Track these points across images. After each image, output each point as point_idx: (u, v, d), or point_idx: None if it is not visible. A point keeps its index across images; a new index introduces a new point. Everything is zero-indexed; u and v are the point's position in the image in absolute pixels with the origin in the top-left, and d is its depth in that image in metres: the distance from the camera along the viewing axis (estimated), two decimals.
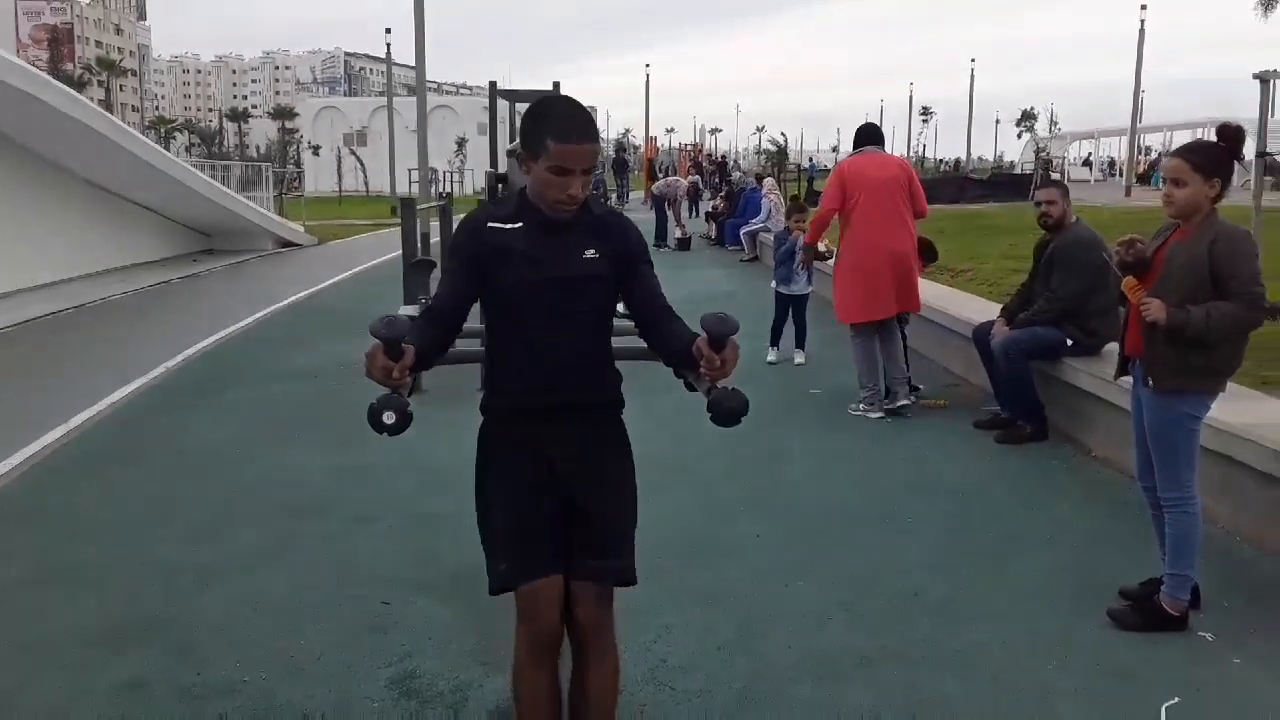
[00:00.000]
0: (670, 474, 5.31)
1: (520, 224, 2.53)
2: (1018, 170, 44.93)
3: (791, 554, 4.42)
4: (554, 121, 2.43)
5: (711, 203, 22.90)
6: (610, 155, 37.32)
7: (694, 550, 4.44)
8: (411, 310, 3.46)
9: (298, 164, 56.40)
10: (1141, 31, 33.54)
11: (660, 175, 32.85)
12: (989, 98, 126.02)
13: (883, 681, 3.36)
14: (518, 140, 2.85)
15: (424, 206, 8.89)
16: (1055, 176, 31.74)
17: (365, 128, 62.89)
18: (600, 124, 17.02)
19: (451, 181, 40.31)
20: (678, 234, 19.69)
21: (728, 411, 2.31)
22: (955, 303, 8.54)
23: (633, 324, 2.69)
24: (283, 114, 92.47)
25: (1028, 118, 47.04)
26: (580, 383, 2.57)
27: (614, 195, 27.14)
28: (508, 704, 3.20)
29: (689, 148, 47.65)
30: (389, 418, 2.19)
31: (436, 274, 4.69)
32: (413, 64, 23.04)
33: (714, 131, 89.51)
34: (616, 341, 2.69)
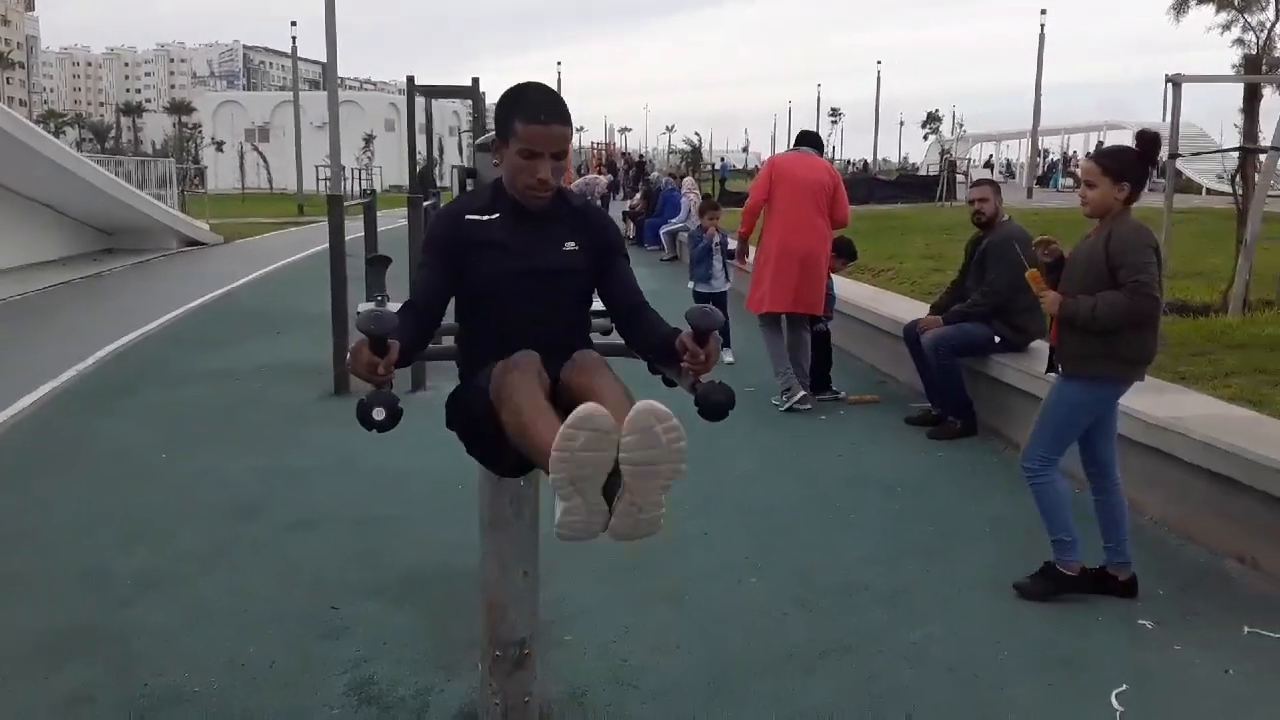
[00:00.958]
0: None
1: (497, 215, 2.51)
2: (923, 172, 46.00)
3: (740, 551, 4.46)
4: (522, 104, 2.41)
5: (629, 202, 22.93)
6: None
7: (644, 550, 4.38)
8: (369, 307, 3.38)
9: (196, 160, 54.94)
10: (1042, 36, 34.63)
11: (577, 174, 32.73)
12: (894, 100, 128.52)
13: (842, 675, 3.41)
14: (487, 134, 2.83)
15: (351, 204, 8.72)
16: (988, 175, 32.52)
17: (268, 123, 61.57)
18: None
19: (361, 179, 39.60)
20: None
21: (716, 405, 2.32)
22: (880, 301, 8.69)
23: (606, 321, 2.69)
24: (180, 109, 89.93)
25: (933, 120, 48.24)
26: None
27: None
28: (472, 707, 3.19)
29: (600, 147, 47.64)
30: (379, 414, 2.15)
31: (414, 270, 4.65)
32: (316, 59, 22.63)
33: (623, 131, 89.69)
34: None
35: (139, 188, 19.50)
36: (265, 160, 51.66)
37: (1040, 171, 41.32)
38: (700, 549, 4.47)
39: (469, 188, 2.96)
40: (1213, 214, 17.57)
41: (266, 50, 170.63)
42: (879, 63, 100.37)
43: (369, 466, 5.77)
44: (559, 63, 68.16)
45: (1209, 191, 30.20)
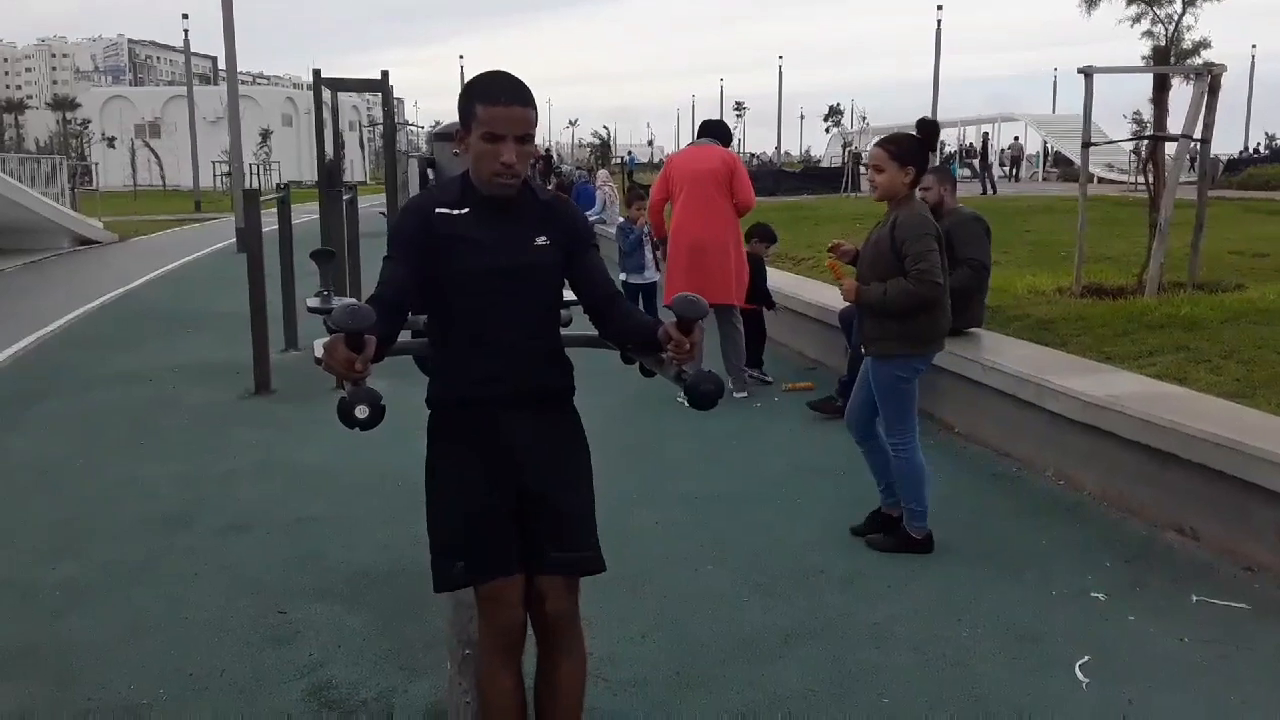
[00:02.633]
0: None
1: (467, 209, 2.44)
2: (825, 164, 46.64)
3: (693, 539, 4.43)
4: (481, 89, 2.36)
5: None
6: (423, 148, 36.47)
7: (605, 538, 4.37)
8: (313, 302, 3.27)
9: (82, 156, 52.91)
10: (939, 32, 35.39)
11: None
12: (796, 94, 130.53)
13: (810, 658, 3.40)
14: (449, 123, 2.74)
15: (267, 198, 8.47)
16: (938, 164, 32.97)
17: (159, 119, 59.73)
18: (409, 114, 16.62)
19: (260, 174, 38.61)
20: None
21: (706, 395, 2.29)
22: (804, 289, 8.76)
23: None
24: (63, 104, 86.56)
25: (834, 114, 48.96)
26: (534, 371, 2.50)
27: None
28: (440, 707, 3.11)
29: None
30: (362, 412, 2.06)
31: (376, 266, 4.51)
32: (207, 52, 21.95)
33: None
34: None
35: (40, 185, 18.72)
36: (158, 157, 50.05)
37: (937, 162, 42.26)
38: (653, 539, 4.44)
39: (430, 178, 2.87)
40: (1107, 201, 18.14)
41: (153, 44, 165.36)
42: (780, 57, 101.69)
43: (296, 467, 5.61)
44: (461, 56, 67.46)
45: (1100, 180, 31.18)
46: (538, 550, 2.46)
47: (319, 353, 2.79)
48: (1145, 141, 8.45)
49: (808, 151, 77.14)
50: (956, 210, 6.11)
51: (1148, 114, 8.79)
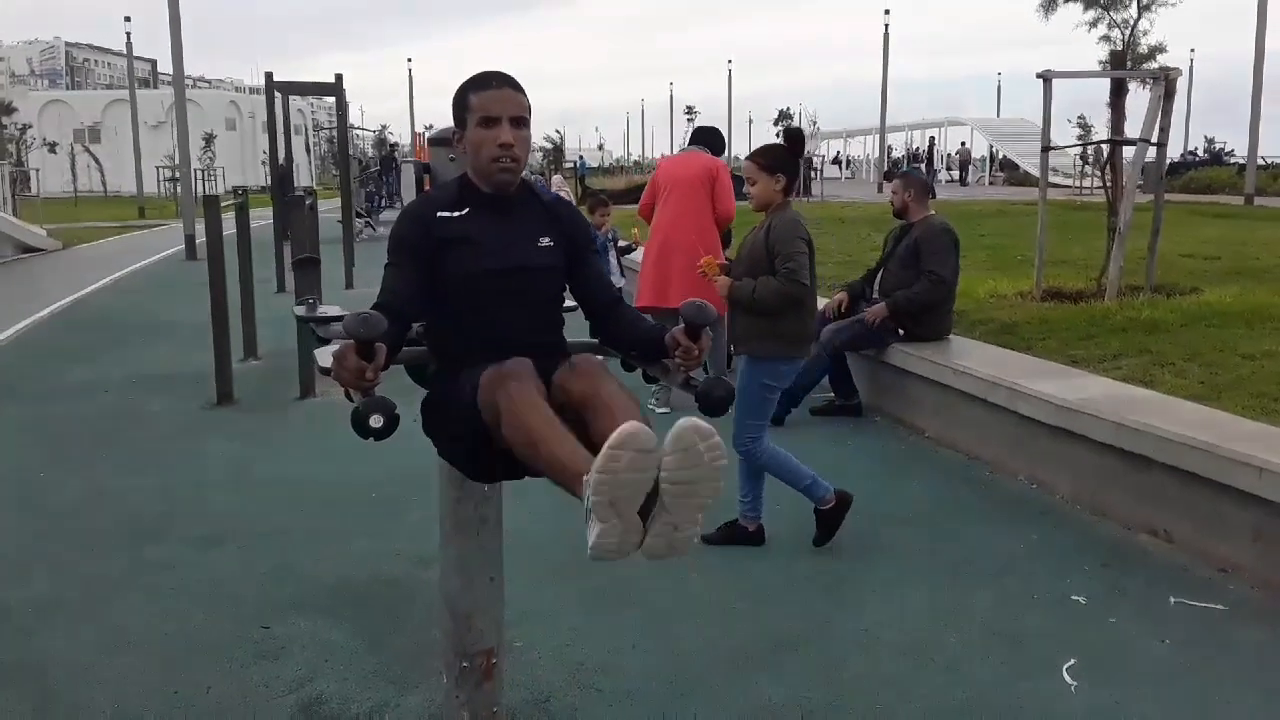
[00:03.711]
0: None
1: (468, 210, 2.43)
2: None
3: None
4: (472, 80, 2.41)
5: None
6: (369, 153, 36.19)
7: (579, 550, 4.35)
8: (299, 310, 3.23)
9: (19, 163, 51.73)
10: (886, 36, 35.74)
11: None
12: (745, 97, 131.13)
13: (800, 666, 3.42)
14: (444, 128, 2.73)
15: (228, 203, 8.35)
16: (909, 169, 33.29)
17: (99, 123, 58.56)
18: (354, 118, 16.50)
19: (204, 179, 37.99)
20: None
21: (718, 400, 2.30)
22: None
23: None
24: (1, 109, 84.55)
25: (784, 117, 49.23)
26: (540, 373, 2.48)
27: (381, 200, 26.29)
28: (434, 715, 3.07)
29: None
30: (376, 421, 2.03)
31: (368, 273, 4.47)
32: (148, 56, 21.59)
33: None
34: None
35: None
36: (98, 162, 49.10)
37: (886, 167, 42.66)
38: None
39: (424, 183, 2.85)
40: (1056, 205, 18.37)
41: (91, 48, 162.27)
42: (730, 61, 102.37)
43: (266, 478, 5.53)
44: (409, 59, 66.86)
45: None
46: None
47: (324, 362, 2.76)
48: (1096, 146, 8.59)
49: None
50: (927, 219, 6.19)
51: (1092, 118, 8.98)
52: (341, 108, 15.15)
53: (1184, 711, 3.11)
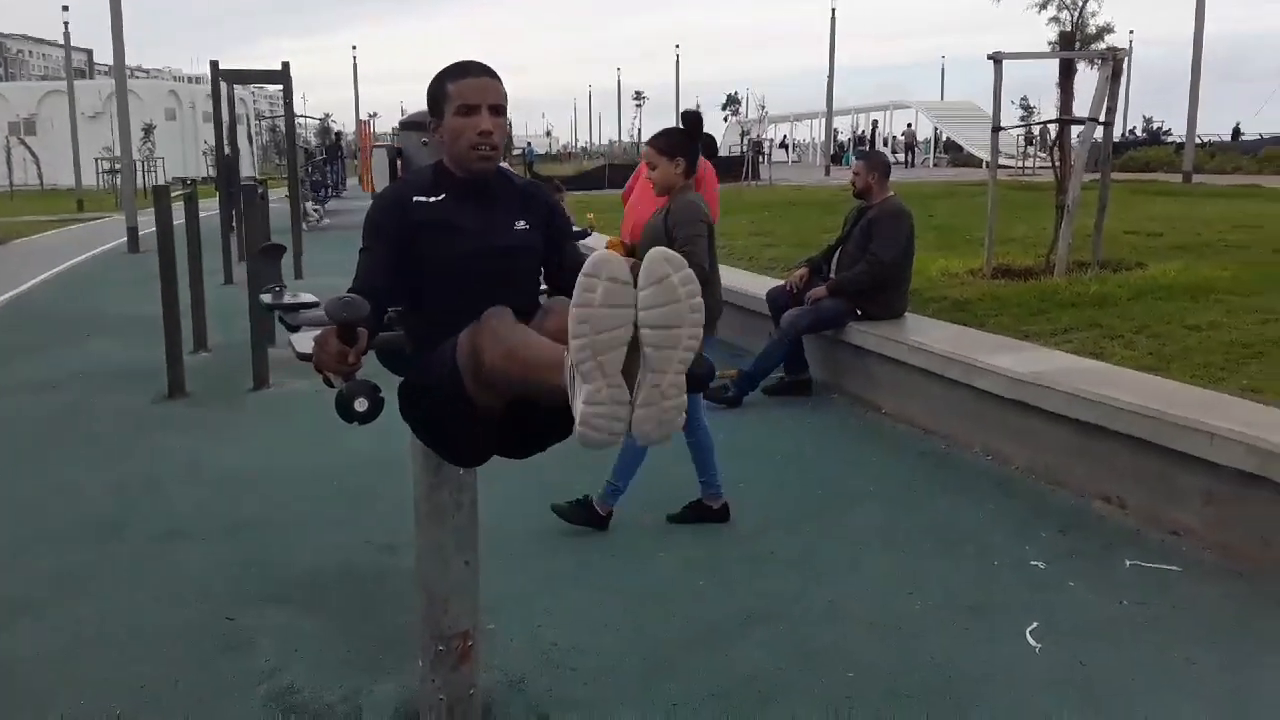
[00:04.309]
0: (494, 461, 5.20)
1: (444, 195, 2.44)
2: (723, 153, 46.98)
3: (640, 528, 4.45)
4: (449, 69, 2.42)
5: None
6: (313, 142, 35.76)
7: (547, 533, 4.38)
8: (266, 298, 3.21)
9: None
10: (833, 21, 36.00)
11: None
12: (693, 83, 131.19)
13: (771, 639, 3.46)
14: (417, 112, 2.73)
15: (177, 194, 8.22)
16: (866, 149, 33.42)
17: (34, 115, 57.19)
18: (297, 107, 16.30)
19: (145, 171, 37.25)
20: None
21: (697, 379, 2.32)
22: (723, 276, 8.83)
23: None
24: None
25: (732, 102, 49.52)
26: None
27: (325, 190, 26.03)
28: (410, 705, 3.08)
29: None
30: (361, 405, 2.03)
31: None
32: (82, 45, 21.14)
33: None
34: None
35: None
36: (35, 155, 47.98)
37: (832, 151, 42.97)
38: (597, 530, 4.45)
39: (399, 167, 2.85)
40: (1001, 186, 18.60)
41: (25, 38, 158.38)
42: (677, 46, 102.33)
43: (225, 470, 5.47)
44: (354, 46, 66.15)
45: (987, 164, 32.07)
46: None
47: (303, 348, 2.75)
48: (1042, 127, 8.71)
49: None
50: (885, 201, 6.28)
51: (1034, 100, 9.11)
52: (289, 95, 14.95)
53: (1145, 668, 3.19)
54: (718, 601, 3.75)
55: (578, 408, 1.85)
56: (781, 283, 6.83)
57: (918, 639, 3.44)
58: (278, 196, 17.87)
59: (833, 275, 6.47)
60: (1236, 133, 33.48)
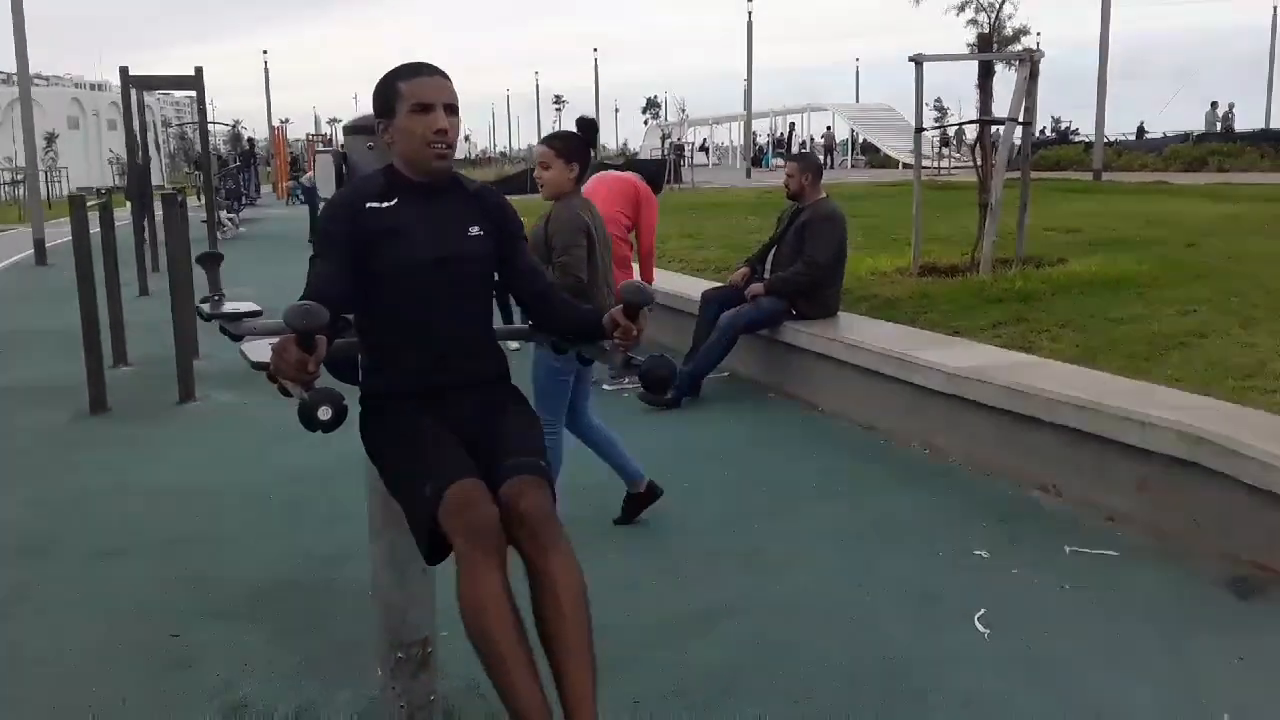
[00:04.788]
0: None
1: (396, 200, 2.41)
2: (644, 156, 47.15)
3: (590, 528, 4.43)
4: (400, 70, 2.41)
5: None
6: (223, 149, 35.05)
7: None
8: (205, 308, 3.14)
9: None
10: (750, 24, 36.36)
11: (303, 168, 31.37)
12: (612, 86, 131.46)
13: (729, 635, 3.49)
14: (361, 116, 2.69)
15: (93, 204, 7.98)
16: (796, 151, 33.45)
17: None
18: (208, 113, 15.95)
19: (48, 181, 36.15)
20: None
21: (661, 379, 2.35)
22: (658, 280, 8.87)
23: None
24: None
25: (653, 105, 49.71)
26: (472, 362, 2.50)
27: (242, 196, 25.53)
28: (370, 715, 3.04)
29: (318, 139, 45.85)
30: (324, 413, 2.00)
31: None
32: None
33: (333, 122, 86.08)
34: None
35: None
36: None
37: (754, 153, 43.39)
38: None
39: (344, 174, 2.80)
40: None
41: None
42: (595, 50, 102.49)
43: (153, 487, 5.34)
44: (265, 52, 65.06)
45: (904, 165, 32.66)
46: (499, 467, 2.34)
47: (256, 356, 2.70)
48: (957, 128, 8.89)
49: (625, 144, 78.01)
50: (818, 203, 6.40)
51: (948, 101, 9.31)
52: (202, 102, 14.66)
53: (1091, 650, 3.28)
54: (673, 599, 3.77)
55: None
56: (719, 284, 6.89)
57: (871, 629, 3.49)
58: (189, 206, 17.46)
59: (768, 274, 6.54)
60: (1141, 131, 34.57)
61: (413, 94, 2.35)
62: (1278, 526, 3.62)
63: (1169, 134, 30.01)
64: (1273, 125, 29.30)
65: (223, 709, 3.14)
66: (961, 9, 7.83)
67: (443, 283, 2.42)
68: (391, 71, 2.43)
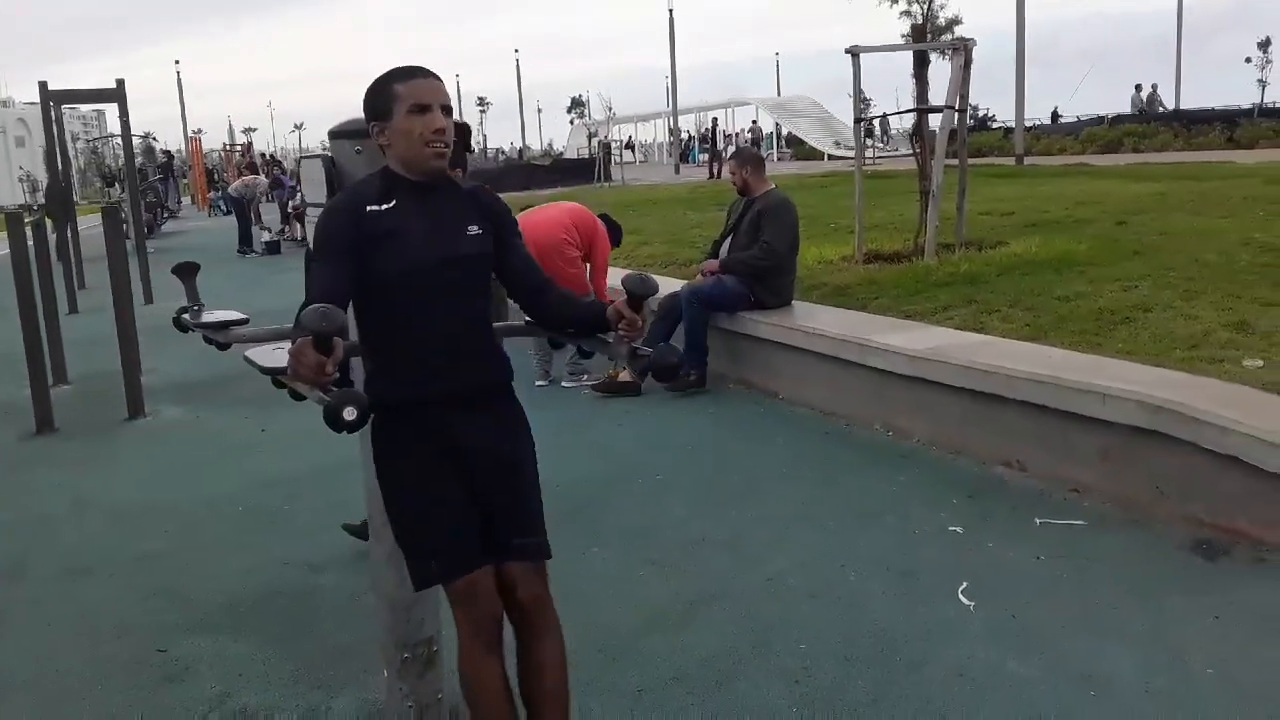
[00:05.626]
0: None
1: (395, 202, 2.42)
2: (570, 155, 47.08)
3: (570, 524, 4.46)
4: (395, 72, 2.41)
5: (292, 203, 21.92)
6: (139, 161, 34.20)
7: None
8: (188, 319, 3.11)
9: None
10: (671, 22, 36.43)
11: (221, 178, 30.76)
12: (534, 86, 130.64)
13: (720, 620, 3.55)
14: (349, 120, 2.69)
15: (30, 220, 7.79)
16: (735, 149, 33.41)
17: None
18: (112, 126, 15.66)
19: None
20: (265, 237, 18.73)
21: (671, 368, 2.39)
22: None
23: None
24: None
25: (578, 104, 49.65)
26: (479, 364, 2.52)
27: (161, 211, 25.00)
28: (376, 718, 3.05)
29: (237, 149, 44.96)
30: (350, 413, 2.01)
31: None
32: None
33: (248, 131, 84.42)
34: None
35: None
36: None
37: (681, 149, 43.55)
38: None
39: (334, 181, 2.79)
40: (848, 178, 19.27)
41: None
42: (517, 51, 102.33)
43: (114, 504, 5.26)
44: (177, 61, 63.74)
45: (830, 157, 33.04)
46: (502, 541, 2.47)
47: (265, 362, 2.69)
48: (882, 118, 9.06)
49: (550, 144, 77.72)
50: (768, 193, 6.53)
51: (870, 93, 9.47)
52: (124, 114, 14.35)
53: (1071, 615, 3.40)
54: (660, 588, 3.82)
55: None
56: (684, 282, 7.00)
57: (858, 607, 3.58)
58: (95, 222, 17.01)
59: None
60: (1055, 115, 35.32)
61: (411, 95, 2.36)
62: (1237, 489, 3.77)
63: (1083, 118, 30.66)
64: (1183, 106, 30.12)
65: (224, 719, 3.13)
66: (894, 1, 7.99)
67: (446, 283, 2.43)
68: (386, 74, 2.43)
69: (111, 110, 14.24)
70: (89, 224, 17.69)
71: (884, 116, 16.64)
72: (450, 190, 2.52)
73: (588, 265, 6.90)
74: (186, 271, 3.27)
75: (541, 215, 6.84)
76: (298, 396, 2.28)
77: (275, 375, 2.56)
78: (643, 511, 4.61)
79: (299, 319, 2.03)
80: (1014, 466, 4.68)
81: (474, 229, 2.50)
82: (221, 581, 4.19)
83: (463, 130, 4.28)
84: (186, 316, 3.08)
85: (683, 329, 6.50)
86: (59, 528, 4.96)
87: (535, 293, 2.64)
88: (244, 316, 3.02)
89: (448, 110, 2.42)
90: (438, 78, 2.43)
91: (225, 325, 2.94)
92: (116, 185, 29.73)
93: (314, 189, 2.80)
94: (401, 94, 2.36)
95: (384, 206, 2.40)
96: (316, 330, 1.98)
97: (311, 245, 2.47)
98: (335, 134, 2.78)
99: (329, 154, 2.81)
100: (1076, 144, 25.17)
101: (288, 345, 2.17)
